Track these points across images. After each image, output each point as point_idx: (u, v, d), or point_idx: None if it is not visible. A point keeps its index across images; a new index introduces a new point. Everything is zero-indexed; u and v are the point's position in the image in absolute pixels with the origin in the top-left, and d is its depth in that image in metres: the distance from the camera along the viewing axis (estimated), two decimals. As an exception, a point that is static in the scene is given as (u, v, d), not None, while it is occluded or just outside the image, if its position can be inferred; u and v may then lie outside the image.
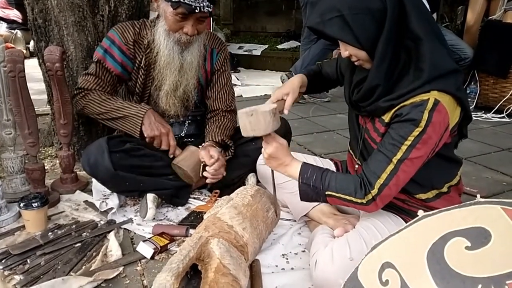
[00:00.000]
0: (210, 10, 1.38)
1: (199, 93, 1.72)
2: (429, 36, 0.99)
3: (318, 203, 1.42)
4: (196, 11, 1.34)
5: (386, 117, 1.07)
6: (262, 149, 1.19)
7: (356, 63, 1.10)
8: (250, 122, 1.12)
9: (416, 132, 0.98)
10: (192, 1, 1.33)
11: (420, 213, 0.70)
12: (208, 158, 1.52)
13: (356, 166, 1.26)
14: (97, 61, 1.57)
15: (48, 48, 1.60)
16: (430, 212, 0.69)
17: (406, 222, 1.17)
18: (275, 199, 1.36)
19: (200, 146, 1.62)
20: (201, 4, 1.34)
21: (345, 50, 1.07)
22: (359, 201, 1.05)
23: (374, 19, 0.98)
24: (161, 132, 1.54)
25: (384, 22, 0.97)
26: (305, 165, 1.13)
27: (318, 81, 1.41)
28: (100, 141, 1.53)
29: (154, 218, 1.51)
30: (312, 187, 1.09)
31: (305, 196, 1.13)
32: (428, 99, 0.97)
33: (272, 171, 1.27)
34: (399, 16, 0.98)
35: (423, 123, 0.96)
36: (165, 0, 1.40)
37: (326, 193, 1.08)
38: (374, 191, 1.03)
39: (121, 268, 1.22)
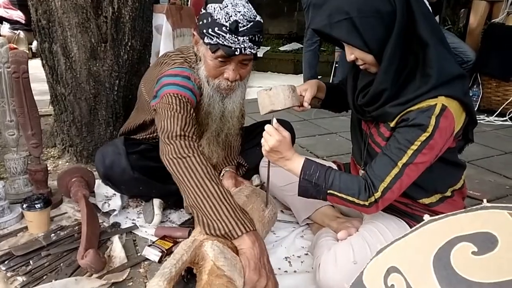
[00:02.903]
0: (254, 52, 1.25)
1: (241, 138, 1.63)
2: (436, 41, 0.99)
3: (321, 205, 1.42)
4: (237, 53, 1.22)
5: (392, 122, 1.06)
6: (263, 141, 1.14)
7: (361, 67, 1.09)
8: (269, 96, 1.12)
9: (423, 137, 0.97)
10: (232, 43, 1.20)
11: (426, 217, 0.69)
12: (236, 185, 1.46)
13: (361, 172, 1.25)
14: (187, 101, 1.30)
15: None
16: (436, 217, 0.69)
17: (409, 225, 1.17)
18: (267, 195, 1.35)
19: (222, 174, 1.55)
20: (243, 46, 1.21)
21: (351, 54, 1.05)
22: (361, 202, 1.04)
23: (383, 22, 0.97)
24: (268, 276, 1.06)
25: (392, 25, 0.97)
26: (308, 161, 1.11)
27: (336, 94, 1.38)
28: (116, 142, 1.48)
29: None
30: (314, 184, 1.08)
31: (304, 192, 1.11)
32: (435, 104, 0.96)
33: (268, 169, 1.26)
34: (407, 20, 0.98)
35: (430, 128, 0.96)
36: (204, 43, 1.27)
37: (328, 191, 1.07)
38: (378, 194, 1.02)
39: (128, 270, 1.23)
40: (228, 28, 1.19)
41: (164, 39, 3.55)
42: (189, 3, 4.75)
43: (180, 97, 1.28)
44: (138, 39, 1.95)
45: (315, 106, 1.36)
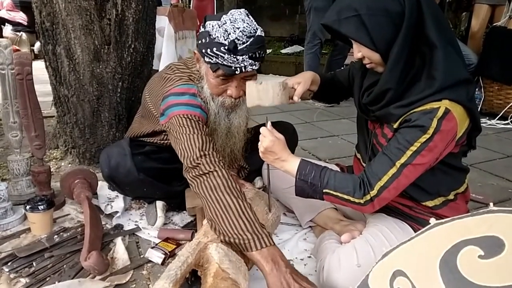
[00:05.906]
0: (255, 68, 1.23)
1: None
2: (444, 43, 0.98)
3: (324, 208, 1.42)
4: (237, 72, 1.20)
5: (395, 123, 1.06)
6: (259, 143, 1.16)
7: (368, 66, 1.09)
8: (258, 90, 1.10)
9: (423, 139, 0.97)
10: (231, 62, 1.18)
11: (432, 221, 0.69)
12: None
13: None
14: (198, 120, 1.28)
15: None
16: (442, 220, 0.68)
17: (413, 228, 1.17)
18: (269, 198, 1.35)
19: None
20: (243, 64, 1.19)
21: (358, 51, 1.06)
22: (356, 201, 1.04)
23: (392, 21, 0.97)
24: None
25: (401, 25, 0.97)
26: (303, 162, 1.12)
27: (330, 86, 1.39)
28: (122, 143, 1.49)
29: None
30: (310, 184, 1.08)
31: (301, 192, 1.12)
32: (439, 107, 0.96)
33: (268, 169, 1.26)
34: (416, 20, 0.98)
35: (431, 131, 0.96)
36: (205, 62, 1.26)
37: (324, 191, 1.07)
38: (373, 192, 1.02)
39: (131, 272, 1.23)
40: (226, 48, 1.16)
41: (166, 41, 3.56)
42: (191, 5, 4.77)
43: (190, 117, 1.26)
44: (142, 41, 1.96)
45: (305, 98, 1.34)
